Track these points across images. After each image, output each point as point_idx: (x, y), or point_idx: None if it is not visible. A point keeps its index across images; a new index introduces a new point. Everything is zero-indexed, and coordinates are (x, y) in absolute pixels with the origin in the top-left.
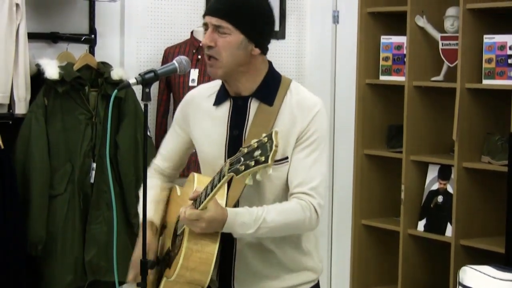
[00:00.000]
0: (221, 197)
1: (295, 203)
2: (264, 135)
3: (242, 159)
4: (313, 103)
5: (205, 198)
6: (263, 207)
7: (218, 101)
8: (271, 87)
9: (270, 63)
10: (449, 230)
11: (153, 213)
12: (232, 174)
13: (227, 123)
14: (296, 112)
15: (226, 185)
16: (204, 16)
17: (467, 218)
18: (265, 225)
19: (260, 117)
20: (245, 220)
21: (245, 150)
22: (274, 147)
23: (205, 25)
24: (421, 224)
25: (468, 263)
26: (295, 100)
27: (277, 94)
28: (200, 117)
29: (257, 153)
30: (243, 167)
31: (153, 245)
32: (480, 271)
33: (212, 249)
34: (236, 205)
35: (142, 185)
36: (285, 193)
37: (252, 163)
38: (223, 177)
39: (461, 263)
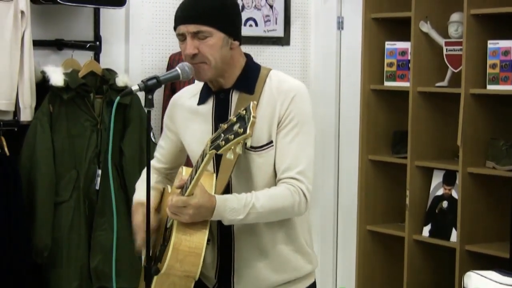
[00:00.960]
0: (209, 186)
1: (284, 188)
2: (242, 108)
3: (222, 135)
4: (292, 87)
5: (190, 183)
6: (252, 193)
7: (202, 100)
8: (250, 76)
9: (248, 55)
10: (454, 236)
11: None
12: (213, 151)
13: (212, 118)
14: (276, 96)
15: (214, 174)
16: (176, 26)
17: (472, 223)
18: (255, 210)
19: (241, 107)
20: (234, 206)
21: (225, 126)
22: (252, 118)
23: (181, 36)
24: (426, 230)
25: (473, 268)
26: (274, 85)
27: (257, 83)
28: (186, 118)
29: (236, 126)
30: (223, 142)
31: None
32: (484, 276)
33: (201, 238)
34: (226, 193)
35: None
36: (274, 180)
37: (232, 136)
38: (205, 156)
39: (466, 268)
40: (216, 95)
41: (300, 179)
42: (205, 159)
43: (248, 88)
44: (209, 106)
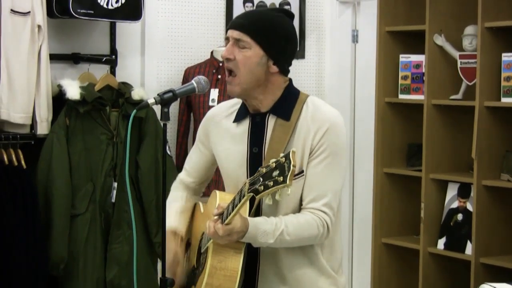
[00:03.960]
0: (243, 211)
1: (311, 219)
2: (281, 155)
3: (261, 179)
4: (328, 117)
5: (229, 215)
6: (280, 218)
7: (238, 119)
8: (288, 102)
9: (290, 79)
10: (469, 248)
11: (177, 223)
12: (251, 194)
13: (247, 140)
14: (311, 125)
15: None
16: (226, 30)
17: (487, 236)
18: (282, 237)
19: (277, 133)
20: (266, 228)
21: (264, 171)
22: (291, 167)
23: (227, 39)
24: (441, 242)
25: (488, 281)
26: (310, 113)
27: (294, 109)
28: (221, 135)
29: (275, 173)
30: (262, 188)
31: (179, 254)
32: None
33: (236, 266)
34: (256, 215)
35: (166, 200)
36: (299, 206)
37: (271, 183)
38: (243, 197)
39: (481, 281)
40: (252, 117)
41: (326, 211)
42: (242, 200)
43: (284, 114)
44: (244, 127)
